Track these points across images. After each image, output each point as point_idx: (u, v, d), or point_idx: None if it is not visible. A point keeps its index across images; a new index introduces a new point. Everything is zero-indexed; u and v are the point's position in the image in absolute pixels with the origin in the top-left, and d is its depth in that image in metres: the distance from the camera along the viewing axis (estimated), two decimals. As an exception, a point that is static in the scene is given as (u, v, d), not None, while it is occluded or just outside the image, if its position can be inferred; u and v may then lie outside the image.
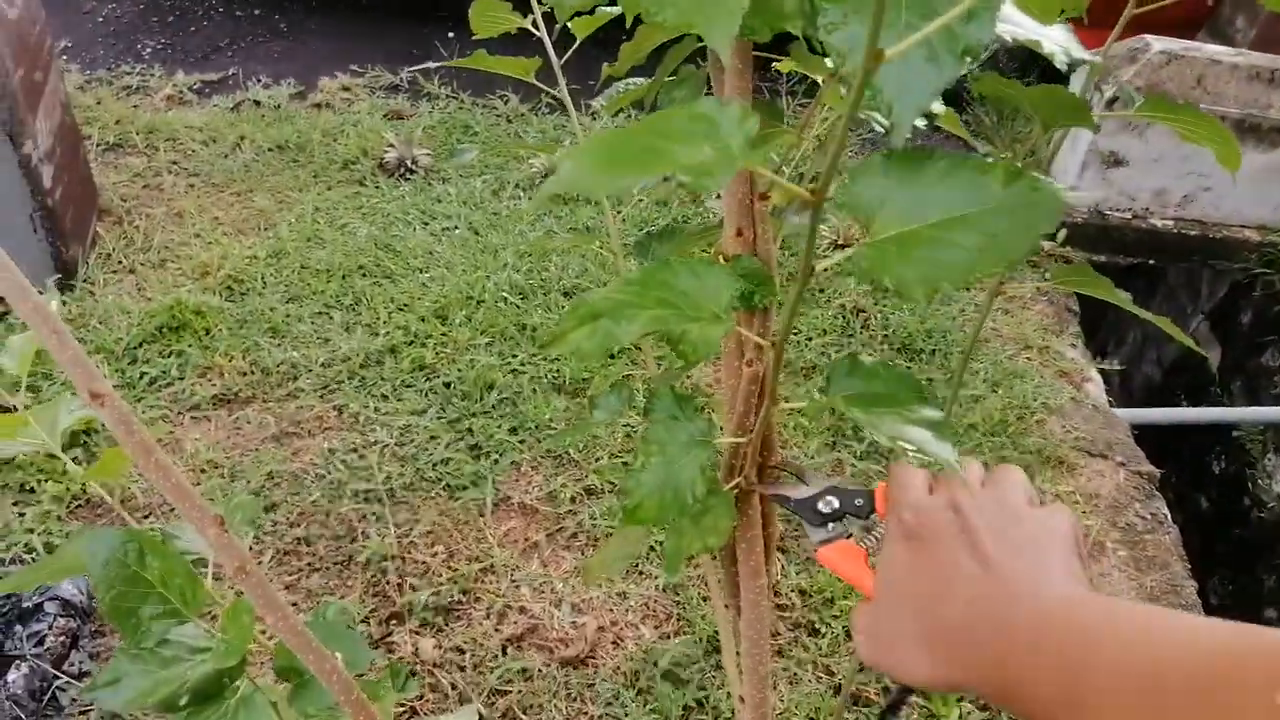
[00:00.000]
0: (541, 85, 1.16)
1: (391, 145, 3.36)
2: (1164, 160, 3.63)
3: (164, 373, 2.46)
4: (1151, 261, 3.80)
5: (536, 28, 1.08)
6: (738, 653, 1.21)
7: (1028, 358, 3.14)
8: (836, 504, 0.71)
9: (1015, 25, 0.76)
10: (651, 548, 2.20)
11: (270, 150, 3.39)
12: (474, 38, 1.16)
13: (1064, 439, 2.80)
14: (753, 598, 1.04)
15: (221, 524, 0.80)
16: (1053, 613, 0.48)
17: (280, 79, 3.84)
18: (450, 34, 4.33)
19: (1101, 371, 3.24)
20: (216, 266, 2.79)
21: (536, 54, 1.12)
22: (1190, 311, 4.28)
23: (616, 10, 1.08)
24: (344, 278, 2.81)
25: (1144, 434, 3.07)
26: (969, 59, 0.55)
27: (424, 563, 2.13)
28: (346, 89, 3.81)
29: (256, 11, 4.40)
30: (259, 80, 3.84)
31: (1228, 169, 0.92)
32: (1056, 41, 0.79)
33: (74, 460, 1.41)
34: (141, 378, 2.44)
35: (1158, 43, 3.54)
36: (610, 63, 1.06)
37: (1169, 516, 2.70)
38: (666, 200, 3.36)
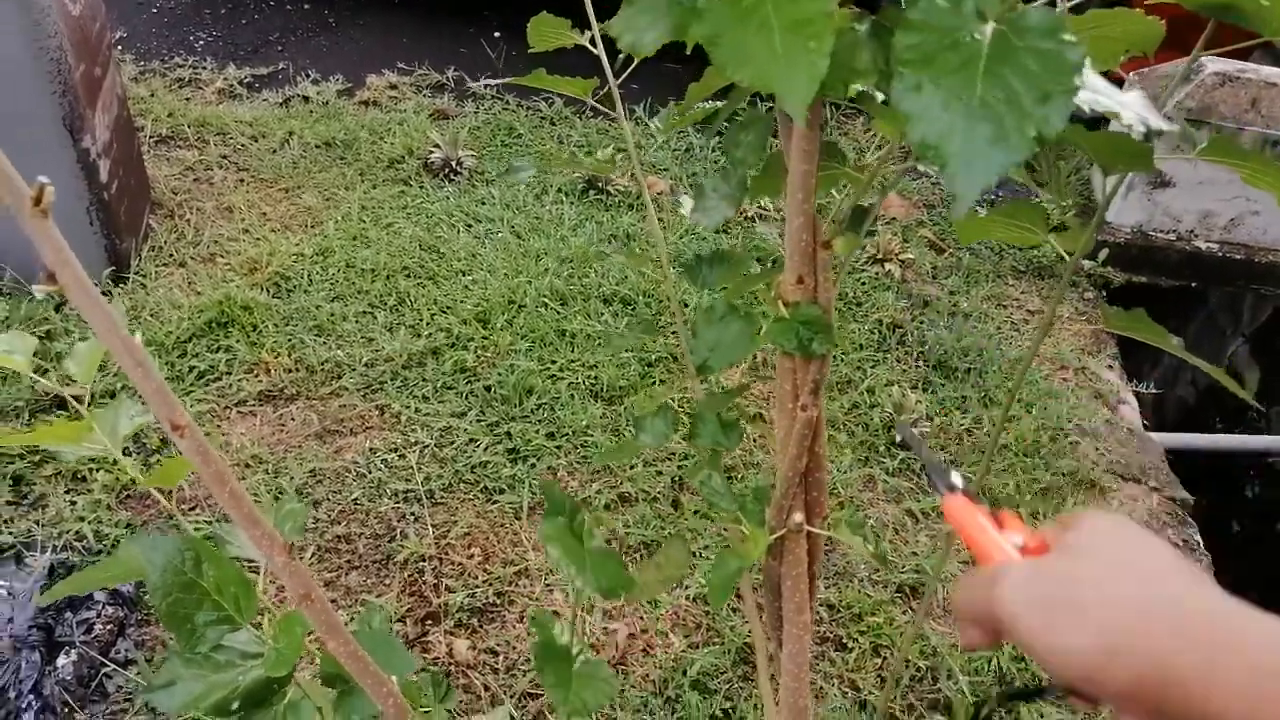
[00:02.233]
0: (597, 105, 1.18)
1: (437, 145, 3.40)
2: (1211, 183, 3.59)
3: (212, 367, 2.52)
4: (1193, 284, 3.77)
5: (594, 45, 1.10)
6: (773, 677, 1.24)
7: (1063, 378, 3.14)
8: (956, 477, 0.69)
9: (1094, 93, 0.77)
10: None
11: (318, 147, 3.45)
12: (529, 50, 1.18)
13: (1097, 462, 2.80)
14: (796, 632, 1.07)
15: (289, 551, 0.84)
16: (1237, 625, 0.44)
17: (328, 75, 3.90)
18: (497, 34, 4.37)
19: (1137, 394, 3.23)
20: (264, 263, 2.85)
21: (589, 65, 1.13)
22: (1230, 334, 4.24)
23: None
24: (388, 278, 2.86)
25: (1179, 458, 3.06)
26: (1039, 142, 0.56)
27: (460, 564, 2.18)
28: (393, 87, 3.86)
29: (306, 6, 4.46)
30: (308, 75, 3.90)
31: None
32: (1134, 110, 0.80)
33: (125, 452, 1.46)
34: (190, 371, 2.50)
35: (1212, 64, 3.50)
36: (669, 77, 1.07)
37: (1201, 543, 2.69)
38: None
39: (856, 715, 2.04)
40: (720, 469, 1.16)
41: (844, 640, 2.18)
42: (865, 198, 0.95)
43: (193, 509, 2.23)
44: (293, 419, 2.44)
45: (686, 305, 2.93)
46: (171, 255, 2.88)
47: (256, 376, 2.51)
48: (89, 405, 1.08)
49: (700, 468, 1.15)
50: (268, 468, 2.31)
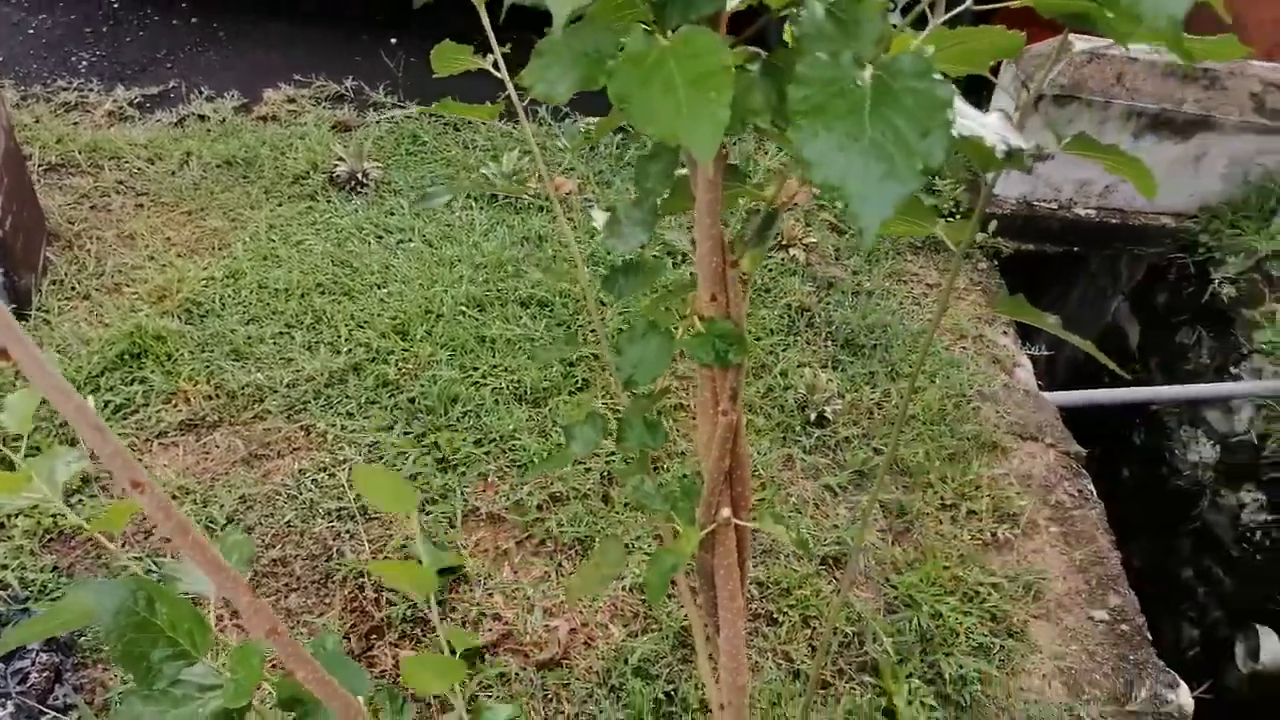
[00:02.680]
0: (505, 126, 1.23)
1: (342, 159, 3.39)
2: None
3: (128, 400, 2.49)
4: (1076, 249, 4.00)
5: (497, 69, 1.15)
6: (711, 657, 1.33)
7: (963, 347, 3.32)
8: None
9: (963, 119, 0.87)
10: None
11: (218, 166, 3.40)
12: (434, 76, 1.23)
13: (998, 424, 2.98)
14: (730, 617, 1.16)
15: (253, 591, 0.89)
16: None
17: (223, 91, 3.83)
18: (393, 40, 4.35)
19: (1031, 357, 3.43)
20: (173, 289, 2.82)
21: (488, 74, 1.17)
22: (1110, 294, 4.51)
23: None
24: (303, 296, 2.86)
25: (1071, 414, 3.27)
26: (925, 173, 0.65)
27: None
28: (291, 100, 3.82)
29: (193, 20, 4.36)
30: (201, 92, 3.82)
31: (1147, 198, 1.05)
32: (996, 132, 0.90)
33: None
34: (105, 406, 2.47)
35: (1080, 42, 3.72)
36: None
37: (1094, 493, 2.89)
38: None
39: (791, 685, 2.16)
40: (649, 469, 1.24)
41: (774, 615, 2.30)
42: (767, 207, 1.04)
43: (123, 546, 2.21)
44: (217, 446, 2.44)
45: (604, 304, 3.00)
46: (74, 288, 2.82)
47: (175, 406, 2.50)
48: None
49: (631, 471, 1.23)
50: (195, 498, 2.30)
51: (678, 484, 1.22)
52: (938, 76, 0.67)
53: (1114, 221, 3.94)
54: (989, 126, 0.92)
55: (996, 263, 3.88)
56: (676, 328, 1.10)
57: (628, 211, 1.15)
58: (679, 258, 3.26)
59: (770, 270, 3.35)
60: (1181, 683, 2.34)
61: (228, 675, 1.05)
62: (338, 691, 0.93)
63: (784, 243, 3.45)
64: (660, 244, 3.23)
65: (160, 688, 0.99)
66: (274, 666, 1.40)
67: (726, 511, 1.09)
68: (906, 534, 2.57)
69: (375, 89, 3.97)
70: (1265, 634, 2.93)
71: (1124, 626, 2.46)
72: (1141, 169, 1.02)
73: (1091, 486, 2.90)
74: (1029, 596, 2.45)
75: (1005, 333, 3.48)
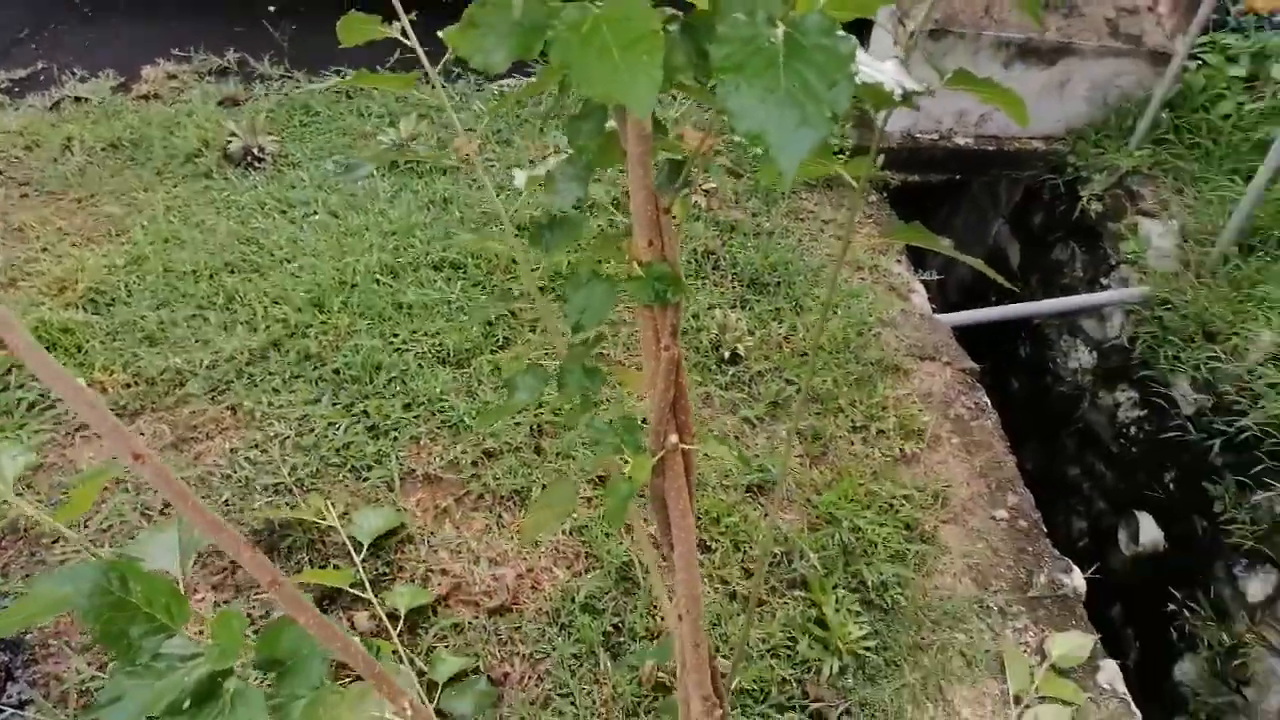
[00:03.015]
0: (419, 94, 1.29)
1: (234, 134, 3.33)
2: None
3: (43, 395, 2.45)
4: (958, 176, 4.22)
5: (406, 36, 1.20)
6: (667, 584, 1.45)
7: (861, 278, 3.49)
8: None
9: (863, 68, 0.97)
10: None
11: (104, 150, 3.30)
12: (326, 45, 1.27)
13: (898, 348, 3.17)
14: (682, 535, 1.28)
15: (253, 548, 0.96)
16: None
17: (97, 71, 3.69)
18: (271, 8, 4.24)
19: (924, 283, 3.64)
20: (73, 280, 2.76)
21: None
22: (991, 217, 4.77)
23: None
24: (211, 277, 2.83)
25: (963, 333, 3.50)
26: (834, 120, 0.75)
27: (342, 543, 2.27)
28: (173, 76, 3.71)
29: (52, -4, 4.16)
30: (73, 73, 3.68)
31: (1020, 125, 1.18)
32: (891, 77, 1.02)
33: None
34: (19, 404, 2.43)
35: (946, -24, 3.89)
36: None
37: (989, 404, 3.12)
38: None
39: (729, 605, 2.31)
40: (592, 410, 1.34)
41: (708, 543, 2.44)
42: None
43: (55, 541, 2.20)
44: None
45: (515, 262, 3.05)
46: None
47: (95, 397, 2.46)
48: None
49: (575, 416, 1.32)
50: (126, 486, 2.30)
51: (619, 422, 1.32)
52: (840, 33, 0.77)
53: (990, 149, 4.17)
54: (886, 73, 1.03)
55: (885, 194, 4.08)
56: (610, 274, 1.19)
57: (562, 169, 1.23)
58: (592, 209, 3.33)
59: (674, 217, 3.44)
60: (1075, 567, 2.59)
61: (209, 642, 1.12)
62: (335, 633, 1.01)
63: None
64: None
65: (143, 663, 1.05)
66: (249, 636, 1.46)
67: (674, 438, 1.20)
68: (823, 457, 2.74)
69: (260, 60, 3.88)
70: (1144, 519, 3.23)
71: (1022, 522, 2.69)
72: (1014, 98, 1.14)
73: (986, 399, 3.12)
74: (937, 504, 2.65)
75: (899, 261, 3.67)
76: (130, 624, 1.07)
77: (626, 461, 1.22)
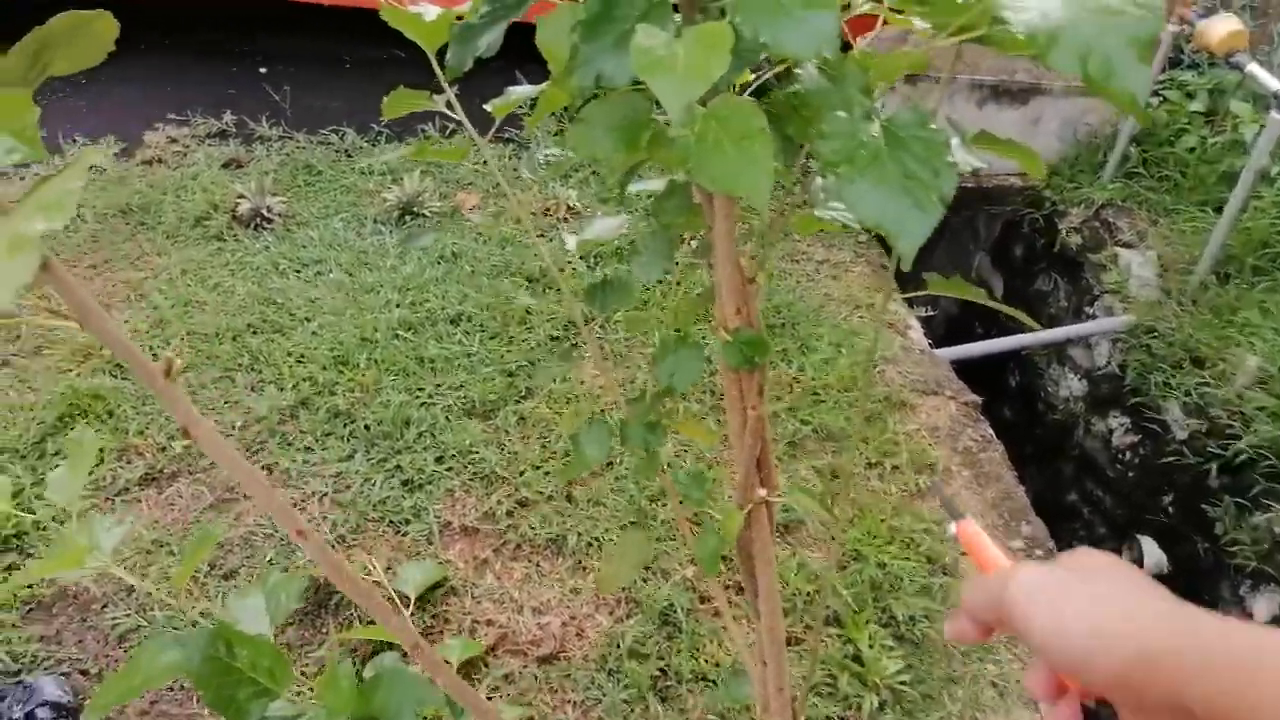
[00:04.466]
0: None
1: (243, 196, 3.38)
2: (938, 122, 4.18)
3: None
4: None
5: (451, 109, 1.28)
6: (734, 616, 1.50)
7: (860, 316, 3.61)
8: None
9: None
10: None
11: (114, 216, 3.33)
12: (377, 124, 1.34)
13: (903, 384, 3.28)
14: (766, 582, 1.35)
15: (400, 613, 1.02)
16: (1215, 626, 0.48)
17: (98, 136, 3.73)
18: (262, 69, 4.30)
19: (920, 319, 3.76)
20: (98, 346, 2.78)
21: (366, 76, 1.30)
22: (972, 250, 4.94)
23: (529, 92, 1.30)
24: (235, 338, 2.87)
25: (958, 366, 3.62)
26: (944, 206, 0.83)
27: (389, 598, 2.30)
28: (174, 140, 3.75)
29: (47, 63, 4.18)
30: (75, 141, 3.70)
31: (1035, 176, 1.28)
32: (959, 155, 1.11)
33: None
34: (56, 470, 2.43)
35: (921, 22, 4.07)
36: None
37: (994, 435, 3.23)
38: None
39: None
40: (661, 468, 1.40)
41: (739, 584, 2.50)
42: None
43: (104, 607, 2.21)
44: (180, 497, 2.44)
45: (529, 313, 3.11)
46: (55, 313, 2.73)
47: (130, 462, 2.48)
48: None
49: (642, 470, 1.37)
50: (170, 549, 2.32)
51: (686, 476, 1.39)
52: (933, 126, 0.86)
53: (969, 185, 4.33)
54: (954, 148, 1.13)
55: (874, 235, 4.21)
56: (697, 335, 1.27)
57: (646, 243, 1.31)
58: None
59: (679, 264, 3.54)
60: None
61: (313, 703, 1.17)
62: (473, 694, 1.06)
63: (687, 237, 3.65)
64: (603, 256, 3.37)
65: (251, 726, 1.09)
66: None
67: (763, 491, 1.27)
68: (843, 495, 2.83)
69: (258, 121, 3.93)
70: (1147, 543, 3.35)
71: (1038, 552, 2.78)
72: (1032, 155, 1.24)
73: (990, 431, 3.23)
74: (955, 538, 2.73)
75: (894, 299, 3.80)
76: (237, 688, 1.12)
77: (708, 515, 1.29)
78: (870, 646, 2.40)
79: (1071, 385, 4.04)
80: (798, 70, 0.96)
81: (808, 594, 2.52)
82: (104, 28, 0.82)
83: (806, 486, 2.57)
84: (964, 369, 3.66)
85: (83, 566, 1.27)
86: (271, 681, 1.12)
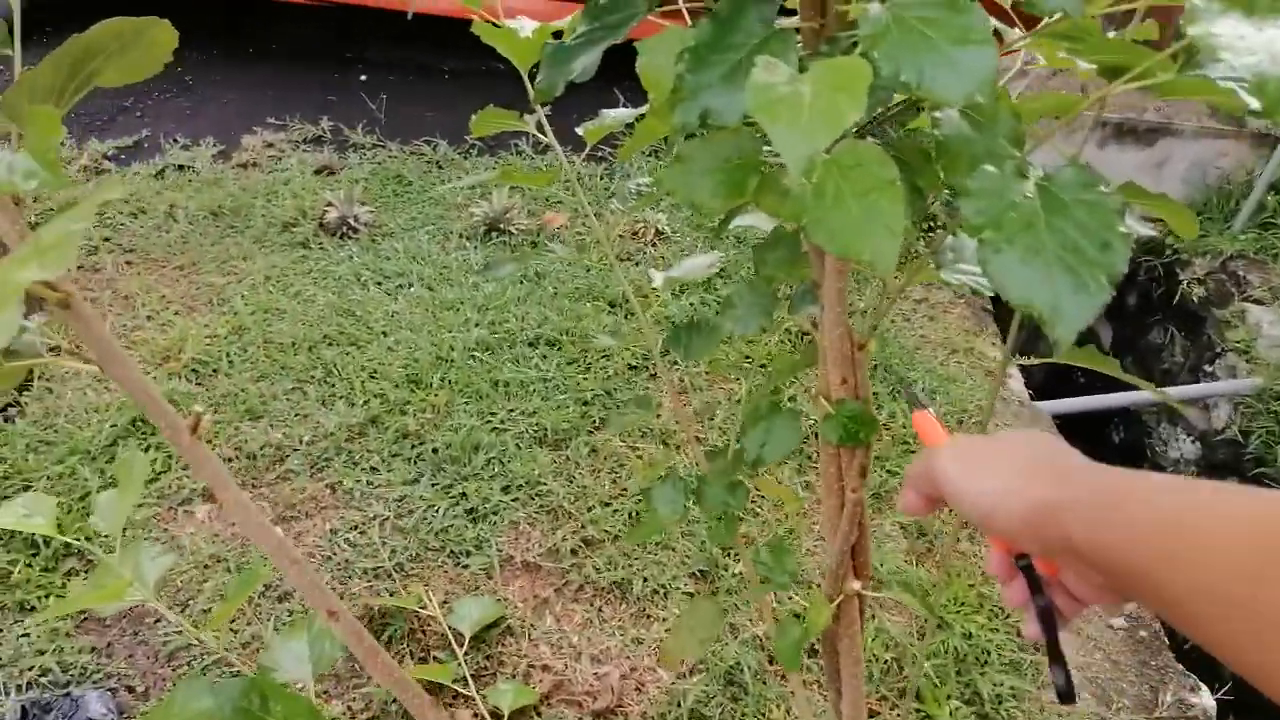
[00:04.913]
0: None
1: (331, 204, 3.36)
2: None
3: (147, 467, 2.43)
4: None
5: (542, 130, 1.18)
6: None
7: (957, 361, 3.40)
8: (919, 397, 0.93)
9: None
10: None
11: (205, 218, 3.34)
12: (470, 136, 1.25)
13: (1000, 439, 3.06)
14: (853, 681, 1.19)
15: (437, 707, 0.90)
16: (1110, 478, 0.53)
17: (198, 139, 3.77)
18: (364, 77, 4.31)
19: (1021, 368, 3.53)
20: (177, 350, 2.77)
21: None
22: (1082, 295, 4.65)
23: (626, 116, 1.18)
24: (310, 349, 2.83)
25: (1062, 421, 3.38)
26: (1113, 286, 0.67)
27: (443, 634, 2.21)
28: (270, 145, 3.77)
29: (156, 64, 4.27)
30: (176, 141, 3.75)
31: (1187, 237, 1.11)
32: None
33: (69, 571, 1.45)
34: (104, 494, 2.41)
35: (1086, 63, 3.85)
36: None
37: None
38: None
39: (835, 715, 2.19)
40: (736, 534, 1.26)
41: (814, 644, 2.33)
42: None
43: (156, 622, 2.16)
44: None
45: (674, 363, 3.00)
46: (74, 354, 2.74)
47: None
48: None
49: (717, 536, 1.23)
50: (227, 565, 2.27)
51: (768, 553, 1.24)
52: (1104, 188, 0.70)
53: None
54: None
55: (976, 275, 3.99)
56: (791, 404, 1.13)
57: (742, 294, 1.18)
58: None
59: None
60: (1203, 685, 2.43)
61: None
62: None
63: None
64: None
65: (279, 782, 0.99)
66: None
67: (856, 584, 1.12)
68: (929, 554, 2.63)
69: (354, 129, 3.94)
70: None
71: (1142, 633, 2.54)
72: (1183, 212, 1.07)
73: (1094, 494, 2.99)
74: (1052, 609, 2.51)
75: (994, 344, 3.58)
76: (270, 743, 1.02)
77: (792, 600, 1.15)
78: (952, 727, 2.20)
79: (1183, 447, 3.75)
80: (937, 114, 0.82)
81: (885, 662, 2.33)
82: (160, 36, 0.72)
83: (894, 551, 2.39)
84: (1065, 421, 3.42)
85: (122, 599, 1.20)
86: (303, 737, 1.02)
